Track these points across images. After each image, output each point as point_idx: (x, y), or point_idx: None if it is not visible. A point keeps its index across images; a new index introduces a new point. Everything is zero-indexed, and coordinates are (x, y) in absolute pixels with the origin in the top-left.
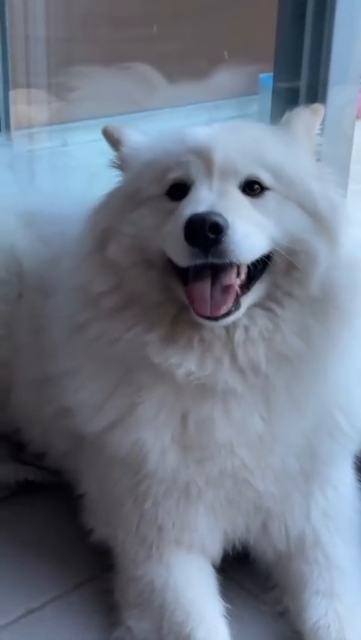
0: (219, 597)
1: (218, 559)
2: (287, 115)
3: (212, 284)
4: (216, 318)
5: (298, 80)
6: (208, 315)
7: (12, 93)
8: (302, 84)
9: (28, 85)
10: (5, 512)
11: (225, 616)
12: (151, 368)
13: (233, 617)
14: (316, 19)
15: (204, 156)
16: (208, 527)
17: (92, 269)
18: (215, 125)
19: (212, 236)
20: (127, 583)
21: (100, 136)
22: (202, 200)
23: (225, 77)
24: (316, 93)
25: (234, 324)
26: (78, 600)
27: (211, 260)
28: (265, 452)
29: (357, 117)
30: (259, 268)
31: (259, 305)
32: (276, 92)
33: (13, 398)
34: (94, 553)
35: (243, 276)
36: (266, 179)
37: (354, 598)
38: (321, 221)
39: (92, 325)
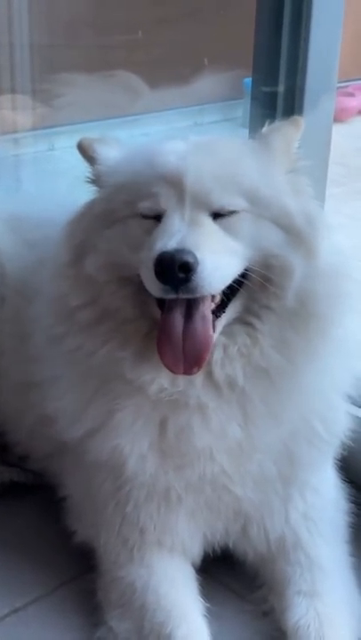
0: (199, 597)
1: (198, 560)
2: (267, 127)
3: (187, 316)
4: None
5: (276, 85)
6: (181, 373)
7: None
8: (280, 88)
9: (13, 91)
10: None
11: (205, 615)
12: (126, 380)
13: (213, 615)
14: (294, 25)
15: (175, 185)
16: (189, 531)
17: (68, 283)
18: (191, 140)
19: (181, 275)
20: (109, 584)
21: None
22: (173, 232)
23: (209, 82)
24: (294, 98)
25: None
26: (61, 600)
27: (181, 295)
28: (244, 459)
29: (335, 120)
30: (234, 288)
31: (238, 319)
32: (254, 97)
33: None
34: (76, 554)
35: (217, 299)
36: (239, 203)
37: (335, 598)
38: (297, 235)
39: (68, 338)
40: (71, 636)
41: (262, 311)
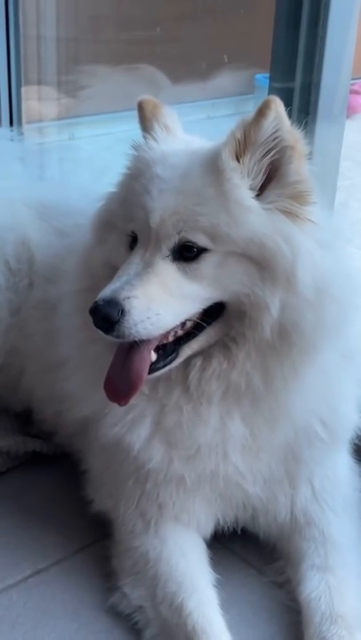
0: (209, 568)
1: (209, 535)
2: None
3: (130, 350)
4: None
5: (293, 81)
6: (112, 401)
7: (23, 90)
8: (296, 84)
9: (39, 82)
10: (14, 481)
11: (215, 585)
12: None
13: (222, 583)
14: (311, 24)
15: (147, 217)
16: (204, 513)
17: (80, 264)
18: (185, 156)
19: (104, 325)
20: (124, 553)
21: (106, 131)
22: (122, 275)
23: (224, 78)
24: (310, 94)
25: (190, 364)
26: (81, 563)
27: (113, 338)
28: (253, 458)
29: (348, 116)
30: (213, 314)
31: (219, 342)
32: (271, 93)
33: (25, 383)
34: (95, 520)
35: (188, 325)
36: (200, 240)
37: (346, 572)
38: (272, 268)
39: (76, 313)
40: (90, 597)
41: (239, 338)
